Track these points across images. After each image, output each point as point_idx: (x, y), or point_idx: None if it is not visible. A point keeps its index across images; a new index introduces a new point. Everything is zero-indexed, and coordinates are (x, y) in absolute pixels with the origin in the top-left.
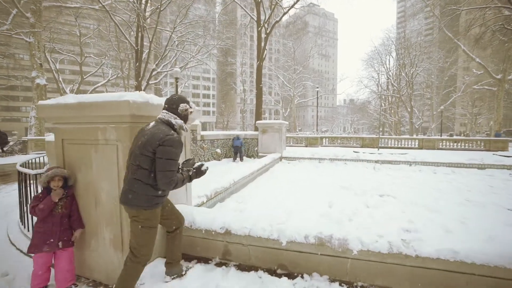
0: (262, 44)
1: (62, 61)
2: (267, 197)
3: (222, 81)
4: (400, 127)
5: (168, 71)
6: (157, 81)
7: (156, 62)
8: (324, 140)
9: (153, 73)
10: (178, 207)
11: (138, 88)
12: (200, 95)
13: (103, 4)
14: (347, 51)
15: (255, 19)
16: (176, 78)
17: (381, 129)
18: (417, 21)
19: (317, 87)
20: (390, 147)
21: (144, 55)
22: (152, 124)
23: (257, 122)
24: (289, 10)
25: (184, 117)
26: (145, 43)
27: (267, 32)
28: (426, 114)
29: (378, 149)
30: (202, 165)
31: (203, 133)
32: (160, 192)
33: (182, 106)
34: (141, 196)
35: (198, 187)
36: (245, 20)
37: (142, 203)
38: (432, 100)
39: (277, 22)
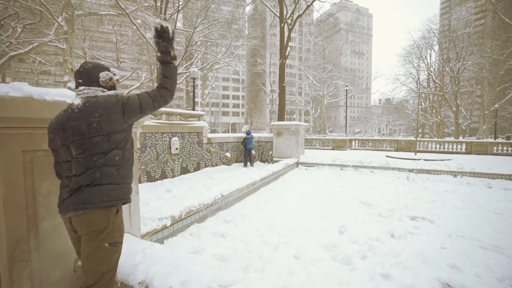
0: (285, 40)
1: None
2: (265, 215)
3: (251, 82)
4: (443, 129)
5: (186, 72)
6: (179, 82)
7: (177, 63)
8: (353, 142)
9: None
10: None
11: None
12: (230, 97)
13: (126, 12)
14: (382, 47)
15: (278, 15)
16: (194, 78)
17: (420, 130)
18: (466, 9)
19: (346, 86)
20: (431, 151)
21: None
22: (76, 101)
23: (272, 123)
24: (312, 2)
25: (111, 88)
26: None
27: (290, 28)
28: (475, 114)
29: (416, 154)
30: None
31: (210, 135)
32: (132, 178)
33: (104, 75)
34: (112, 188)
35: (166, 205)
36: (274, 21)
37: (114, 197)
38: (483, 97)
39: (300, 16)
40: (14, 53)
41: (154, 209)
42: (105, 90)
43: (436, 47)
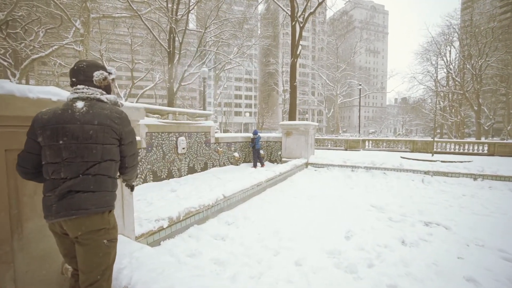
0: (296, 39)
1: (120, 68)
2: (268, 218)
3: (264, 82)
4: (463, 129)
5: (197, 72)
6: (190, 82)
7: (188, 63)
8: (367, 143)
9: (185, 74)
10: None
11: (170, 89)
12: (243, 97)
13: (139, 14)
14: (399, 45)
15: (289, 13)
16: (204, 78)
17: (438, 131)
18: (490, 2)
19: (360, 84)
20: (449, 153)
21: (177, 57)
22: (79, 104)
23: (281, 123)
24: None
25: (107, 89)
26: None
27: (301, 26)
28: (499, 113)
29: (433, 155)
30: None
31: (218, 135)
32: (117, 187)
33: (98, 74)
34: (106, 194)
35: (167, 206)
36: (286, 20)
37: (108, 202)
38: (509, 96)
39: (311, 13)
40: (36, 56)
41: (154, 210)
42: (104, 92)
43: (457, 44)
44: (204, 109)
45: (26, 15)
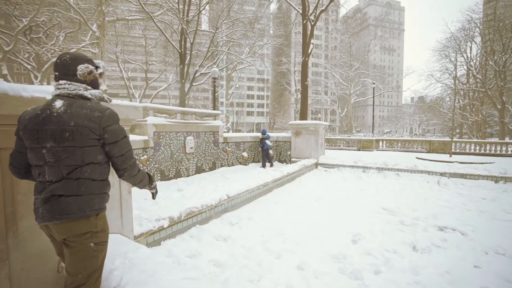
0: (308, 37)
1: (134, 69)
2: (273, 219)
3: (276, 82)
4: (485, 128)
5: (208, 72)
6: (201, 82)
7: (200, 64)
8: (381, 143)
9: (196, 74)
10: None
11: (182, 90)
12: (255, 96)
13: (151, 16)
14: (415, 42)
15: (300, 12)
16: (214, 78)
17: (458, 130)
18: None
19: (373, 83)
20: (469, 153)
21: (188, 58)
22: (58, 103)
23: (290, 122)
24: None
25: (93, 84)
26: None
27: (312, 24)
28: None
29: (451, 155)
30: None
31: (226, 135)
32: (109, 189)
33: (82, 68)
34: (90, 198)
35: (171, 205)
36: (298, 18)
37: (93, 206)
38: None
39: (322, 11)
40: (55, 59)
41: (156, 209)
42: (88, 87)
43: (478, 39)
44: (215, 108)
45: (48, 21)
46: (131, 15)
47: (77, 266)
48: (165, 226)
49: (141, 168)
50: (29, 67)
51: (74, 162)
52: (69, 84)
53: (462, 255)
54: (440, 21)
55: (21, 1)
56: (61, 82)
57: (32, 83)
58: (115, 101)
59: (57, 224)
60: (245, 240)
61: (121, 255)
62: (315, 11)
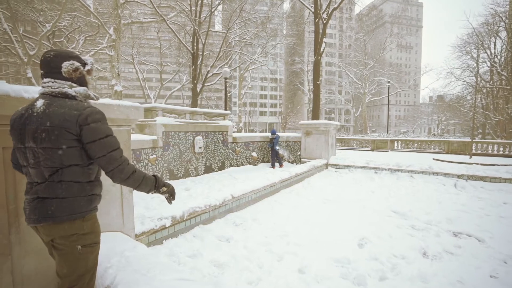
0: (320, 36)
1: (150, 70)
2: (278, 220)
3: (289, 82)
4: (510, 129)
5: (220, 72)
6: (213, 82)
7: (211, 64)
8: (396, 143)
9: (208, 75)
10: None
11: (194, 90)
12: (268, 96)
13: (164, 18)
14: (434, 39)
15: (312, 10)
16: (226, 78)
17: (480, 130)
18: None
19: (389, 82)
20: (491, 155)
21: (200, 58)
22: (39, 103)
23: (300, 122)
24: None
25: (80, 81)
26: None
27: (324, 22)
28: None
29: (471, 157)
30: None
31: (235, 135)
32: (100, 189)
33: (67, 65)
34: (75, 200)
35: (178, 204)
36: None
37: (79, 209)
38: None
39: (335, 9)
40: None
41: (159, 208)
42: (74, 84)
43: (503, 34)
44: (226, 109)
45: (69, 25)
46: (144, 18)
47: (66, 268)
48: (167, 225)
49: (144, 172)
50: None
51: (53, 164)
52: (52, 82)
53: (477, 263)
54: (461, 16)
55: (45, 7)
56: (45, 80)
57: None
58: (117, 101)
59: (42, 226)
60: (247, 241)
61: (118, 253)
62: (327, 9)
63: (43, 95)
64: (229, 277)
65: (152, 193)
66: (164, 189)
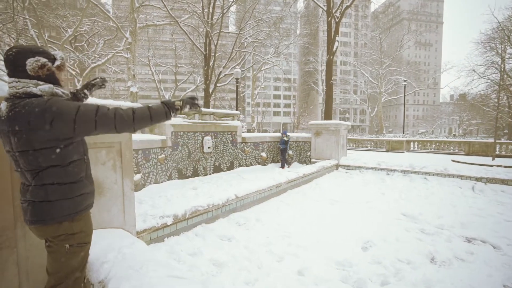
0: (332, 35)
1: (165, 72)
2: (282, 221)
3: (303, 82)
4: None
5: (231, 73)
6: (225, 83)
7: (224, 65)
8: (412, 144)
9: (221, 75)
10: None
11: (206, 90)
12: (281, 97)
13: (177, 20)
14: (455, 35)
15: (325, 9)
16: (237, 79)
17: (506, 131)
18: None
19: (405, 81)
20: None
21: (212, 59)
22: (3, 106)
23: (310, 122)
24: None
25: (50, 79)
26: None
27: (337, 21)
28: None
29: (493, 159)
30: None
31: (244, 135)
32: (91, 187)
33: (31, 62)
34: (61, 203)
35: (173, 204)
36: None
37: (66, 211)
38: None
39: (348, 7)
40: (94, 64)
41: (163, 206)
42: (40, 82)
43: None
44: (237, 109)
45: (89, 30)
46: (159, 21)
47: (53, 266)
48: (168, 224)
49: (144, 105)
50: (73, 72)
51: (31, 167)
52: (16, 82)
53: (489, 271)
54: (485, 10)
55: (67, 14)
56: (9, 80)
57: (76, 87)
58: (121, 102)
59: (34, 227)
60: (249, 241)
61: (115, 249)
62: (340, 7)
63: (7, 97)
64: (227, 277)
65: (174, 115)
66: (179, 103)
